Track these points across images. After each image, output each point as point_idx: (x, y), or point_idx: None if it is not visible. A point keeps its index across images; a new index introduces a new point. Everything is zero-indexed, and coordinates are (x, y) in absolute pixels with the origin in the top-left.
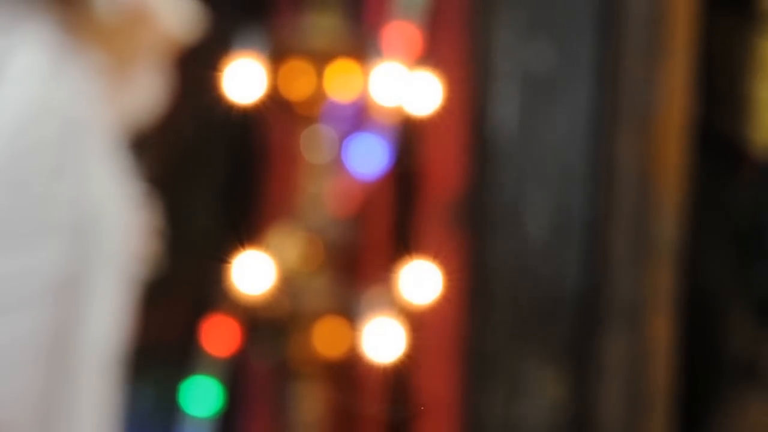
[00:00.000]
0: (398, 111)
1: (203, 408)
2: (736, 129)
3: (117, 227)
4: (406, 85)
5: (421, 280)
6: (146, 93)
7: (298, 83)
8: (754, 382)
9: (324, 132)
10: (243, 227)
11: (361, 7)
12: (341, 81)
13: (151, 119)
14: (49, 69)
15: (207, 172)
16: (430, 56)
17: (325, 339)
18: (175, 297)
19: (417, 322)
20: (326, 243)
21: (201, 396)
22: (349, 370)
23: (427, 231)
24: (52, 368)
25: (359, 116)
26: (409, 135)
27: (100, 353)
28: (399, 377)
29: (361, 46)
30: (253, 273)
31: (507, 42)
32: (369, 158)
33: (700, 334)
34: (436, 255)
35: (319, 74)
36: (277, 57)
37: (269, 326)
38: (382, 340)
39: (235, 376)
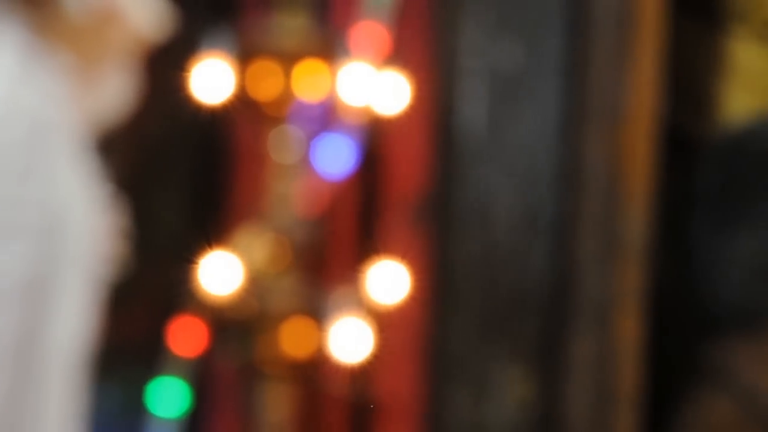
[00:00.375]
0: (366, 111)
1: (170, 409)
2: (702, 129)
3: (84, 228)
4: (373, 85)
5: (388, 280)
6: (114, 93)
7: (266, 83)
8: (720, 381)
9: (291, 132)
10: (210, 227)
11: (328, 7)
12: (309, 81)
13: (119, 119)
14: (18, 70)
15: (174, 172)
16: (398, 56)
17: (292, 339)
18: (142, 298)
19: (384, 322)
20: (293, 243)
21: (168, 397)
22: (316, 371)
23: (394, 231)
24: (18, 369)
25: (327, 116)
26: (376, 135)
27: (67, 354)
28: (366, 377)
29: (329, 47)
30: (220, 273)
31: (474, 41)
32: (336, 158)
33: (667, 332)
34: (403, 255)
35: (287, 74)
36: (244, 57)
37: (236, 327)
38: (349, 341)
39: (202, 376)
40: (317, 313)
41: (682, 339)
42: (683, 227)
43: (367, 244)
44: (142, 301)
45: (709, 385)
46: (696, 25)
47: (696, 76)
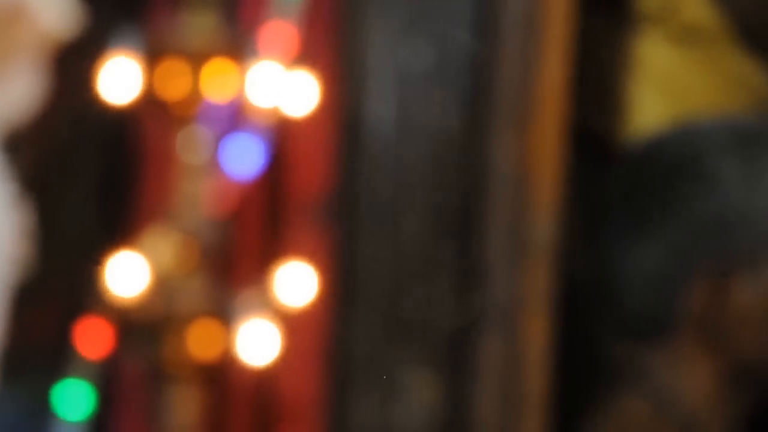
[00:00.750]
0: (274, 111)
1: (76, 411)
2: (611, 129)
3: None
4: (282, 86)
5: (296, 282)
6: (21, 92)
7: (174, 83)
8: (630, 382)
9: (200, 132)
10: (117, 228)
11: (237, 7)
12: (217, 81)
13: (26, 119)
14: None
15: (81, 172)
16: (307, 56)
17: (198, 341)
18: (48, 299)
19: (291, 324)
20: (201, 244)
21: (74, 399)
22: (222, 373)
23: (301, 232)
24: None
25: (235, 116)
26: (284, 135)
27: None
28: (272, 380)
29: (238, 46)
30: (126, 275)
31: (383, 41)
32: (245, 159)
33: (577, 333)
34: (311, 256)
35: (195, 74)
36: (152, 56)
37: (143, 329)
38: (256, 343)
39: (108, 378)
40: (224, 315)
41: (596, 342)
42: (598, 232)
43: (274, 246)
44: (48, 303)
45: (622, 387)
46: (608, 27)
47: (608, 79)
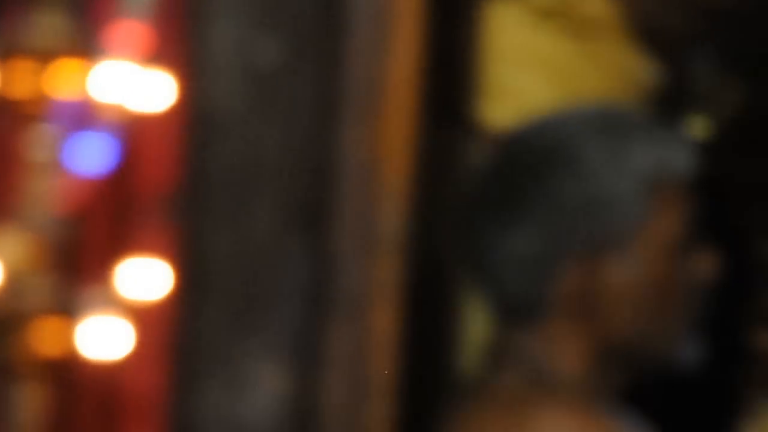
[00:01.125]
0: (122, 109)
1: None
2: (480, 113)
3: None
4: (130, 84)
5: (143, 278)
6: None
7: (22, 82)
8: (505, 361)
9: (47, 131)
10: None
11: (86, 6)
12: (65, 79)
13: None
14: None
15: None
16: (156, 54)
17: (45, 338)
18: None
19: (139, 320)
20: (48, 242)
21: None
22: (69, 369)
23: (149, 229)
24: None
25: (83, 115)
26: (132, 133)
27: None
28: (118, 376)
29: (86, 45)
30: None
31: (232, 37)
32: (93, 157)
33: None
34: (160, 252)
35: (43, 73)
36: (0, 55)
37: None
38: (103, 339)
39: None
40: (71, 312)
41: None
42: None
43: (122, 242)
44: None
45: (497, 366)
46: (466, 10)
47: (471, 60)
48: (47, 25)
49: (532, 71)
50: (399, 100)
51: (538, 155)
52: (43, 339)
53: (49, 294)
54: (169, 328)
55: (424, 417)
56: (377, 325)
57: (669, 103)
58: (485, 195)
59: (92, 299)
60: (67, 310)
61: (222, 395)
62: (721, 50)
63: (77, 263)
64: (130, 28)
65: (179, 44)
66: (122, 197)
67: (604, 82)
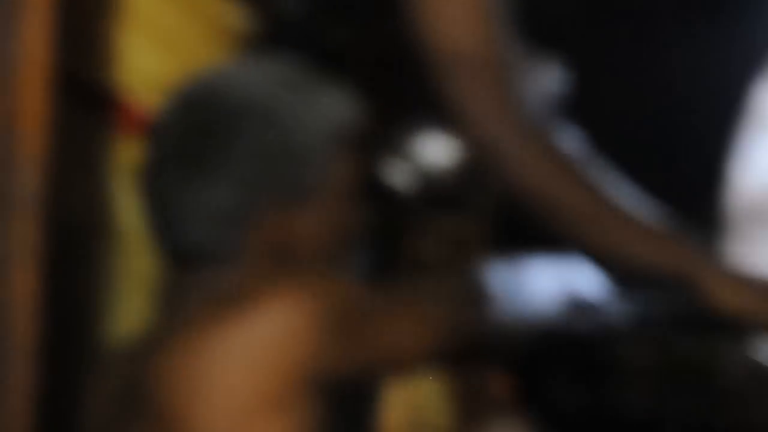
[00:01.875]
0: None
1: None
2: (103, 76)
3: None
4: None
5: None
6: None
7: None
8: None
9: None
10: None
11: None
12: None
13: None
14: None
15: None
16: None
17: None
18: None
19: None
20: None
21: None
22: None
23: None
24: None
25: None
26: None
27: None
28: None
29: None
30: None
31: None
32: None
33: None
34: None
35: None
36: None
37: None
38: None
39: None
40: None
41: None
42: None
43: None
44: None
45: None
46: None
47: (94, 23)
48: None
49: (131, 30)
50: (34, 60)
51: (224, 110)
52: None
53: None
54: None
55: (68, 380)
56: (16, 286)
57: (269, 47)
58: (167, 152)
59: None
60: None
61: None
62: None
63: None
64: None
65: None
66: None
67: (202, 35)
